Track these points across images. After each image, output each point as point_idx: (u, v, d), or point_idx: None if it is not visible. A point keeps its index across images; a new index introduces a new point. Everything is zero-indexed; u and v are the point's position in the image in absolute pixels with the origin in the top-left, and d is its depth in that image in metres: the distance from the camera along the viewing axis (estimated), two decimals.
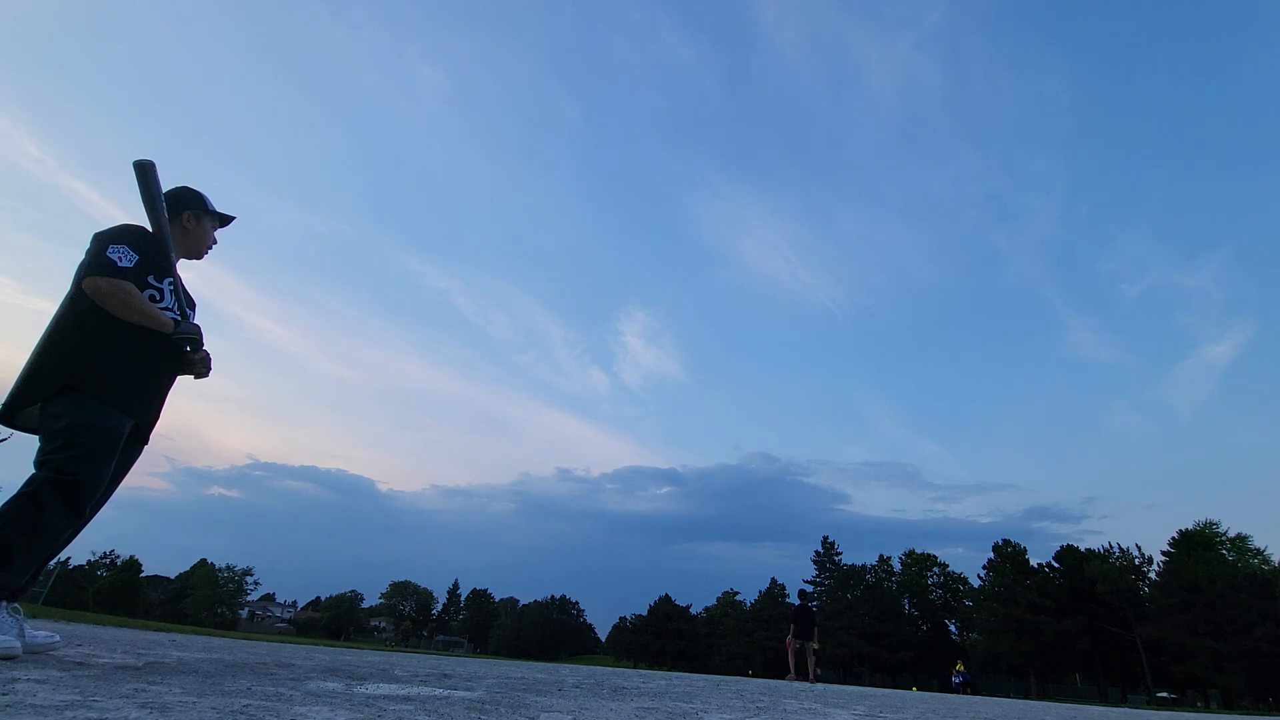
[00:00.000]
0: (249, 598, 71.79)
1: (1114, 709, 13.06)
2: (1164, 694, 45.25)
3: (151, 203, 2.29)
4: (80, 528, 2.14)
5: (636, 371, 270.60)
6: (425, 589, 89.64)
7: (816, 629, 13.25)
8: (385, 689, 2.01)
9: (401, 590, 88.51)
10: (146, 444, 2.36)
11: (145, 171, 2.27)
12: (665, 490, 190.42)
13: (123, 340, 2.12)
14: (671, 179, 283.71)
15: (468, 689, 2.28)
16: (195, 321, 2.41)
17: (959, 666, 30.36)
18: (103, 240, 2.14)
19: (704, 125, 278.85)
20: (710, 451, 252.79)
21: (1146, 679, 42.81)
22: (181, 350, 2.30)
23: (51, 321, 2.12)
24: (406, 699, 1.79)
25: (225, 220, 2.62)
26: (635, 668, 44.21)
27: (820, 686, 9.64)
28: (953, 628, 58.39)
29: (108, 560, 62.47)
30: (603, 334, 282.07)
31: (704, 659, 64.34)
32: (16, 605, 1.90)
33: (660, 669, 52.52)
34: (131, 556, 61.61)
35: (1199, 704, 44.43)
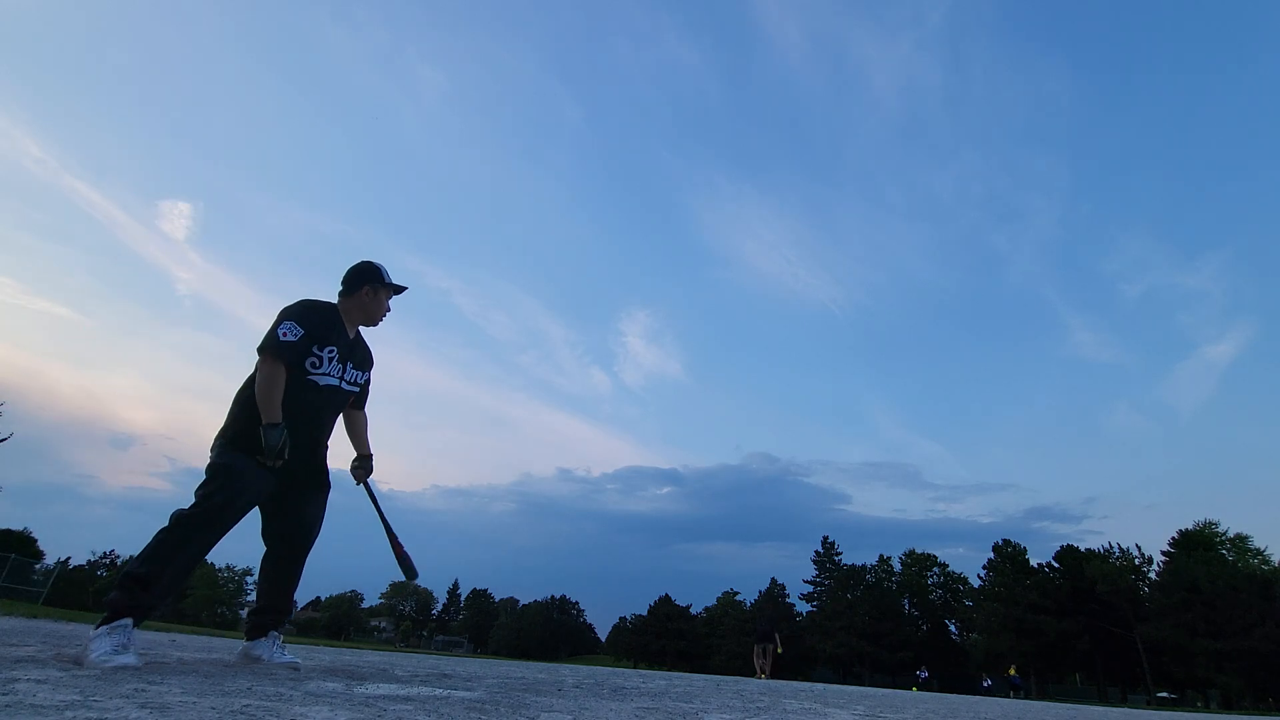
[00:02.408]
0: (249, 598, 71.97)
1: (1114, 709, 13.05)
2: (1164, 694, 45.26)
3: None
4: (295, 579, 2.80)
5: (637, 372, 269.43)
6: (425, 589, 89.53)
7: (776, 634, 15.61)
8: (385, 689, 2.01)
9: (401, 590, 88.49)
10: (318, 489, 2.75)
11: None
12: (666, 490, 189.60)
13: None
14: (673, 180, 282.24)
15: (468, 689, 2.28)
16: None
17: (1011, 670, 30.11)
18: (280, 317, 2.56)
19: (706, 126, 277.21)
20: (711, 451, 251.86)
21: (1146, 679, 42.82)
22: (319, 415, 2.66)
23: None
24: (406, 699, 1.79)
25: (399, 290, 2.95)
26: (635, 668, 44.19)
27: (805, 685, 9.65)
28: (953, 628, 58.42)
29: (108, 560, 62.50)
30: (604, 334, 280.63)
31: (704, 659, 64.31)
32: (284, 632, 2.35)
33: (660, 669, 52.49)
34: (131, 556, 61.60)
35: (1199, 704, 44.44)
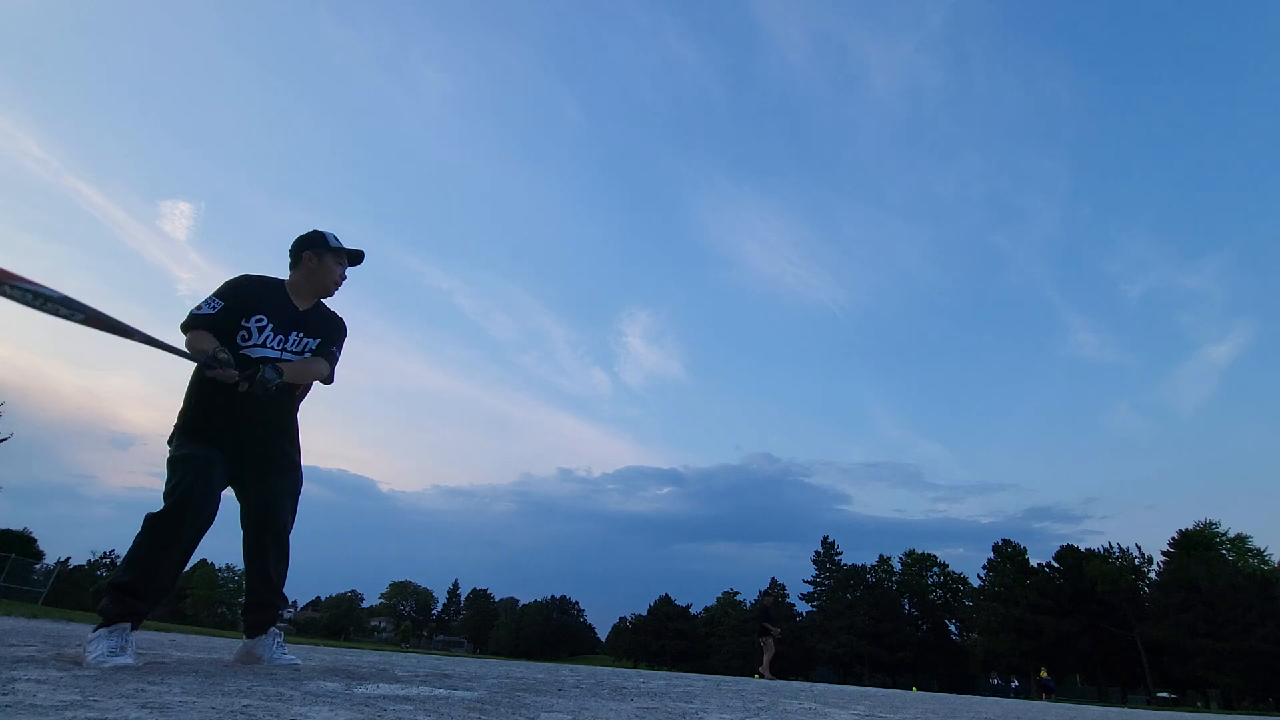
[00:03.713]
0: None
1: (1114, 709, 13.07)
2: (1164, 694, 45.24)
3: None
4: (273, 565, 2.57)
5: (638, 372, 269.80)
6: (425, 589, 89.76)
7: (770, 626, 13.62)
8: (385, 689, 2.01)
9: (401, 590, 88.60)
10: (280, 471, 2.59)
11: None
12: (666, 490, 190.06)
13: (198, 379, 2.46)
14: (674, 180, 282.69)
15: (468, 689, 2.28)
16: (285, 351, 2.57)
17: (1043, 673, 30.19)
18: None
19: (707, 126, 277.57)
20: (712, 451, 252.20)
21: (1146, 679, 42.82)
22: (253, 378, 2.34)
23: None
24: (406, 699, 1.79)
25: (352, 256, 2.83)
26: (635, 668, 44.17)
27: (799, 684, 9.64)
28: (953, 628, 58.44)
29: (108, 560, 62.46)
30: (605, 334, 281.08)
31: (704, 659, 64.36)
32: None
33: (660, 669, 52.45)
34: None
35: (1199, 704, 44.42)
